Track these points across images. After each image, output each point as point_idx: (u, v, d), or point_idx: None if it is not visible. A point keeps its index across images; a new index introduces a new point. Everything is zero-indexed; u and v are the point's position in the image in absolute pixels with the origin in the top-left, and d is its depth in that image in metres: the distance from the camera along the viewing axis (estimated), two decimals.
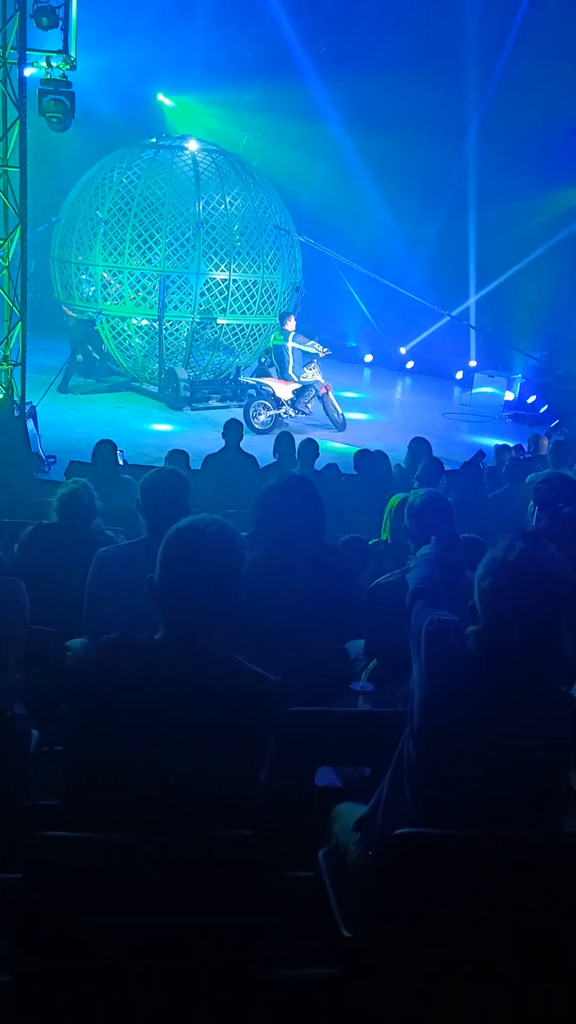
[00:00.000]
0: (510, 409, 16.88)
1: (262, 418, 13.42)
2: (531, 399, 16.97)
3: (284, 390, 13.71)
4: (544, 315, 17.63)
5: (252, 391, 14.02)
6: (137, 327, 15.18)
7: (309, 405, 13.87)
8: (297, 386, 13.75)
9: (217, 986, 1.92)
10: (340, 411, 13.99)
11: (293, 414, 13.79)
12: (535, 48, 16.49)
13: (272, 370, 14.29)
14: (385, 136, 18.33)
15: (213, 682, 2.06)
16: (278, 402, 13.63)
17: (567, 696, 2.22)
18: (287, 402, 13.70)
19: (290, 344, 13.86)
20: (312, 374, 13.86)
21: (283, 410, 13.68)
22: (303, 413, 13.86)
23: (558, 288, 17.22)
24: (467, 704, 2.12)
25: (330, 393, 13.93)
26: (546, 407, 16.44)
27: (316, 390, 13.79)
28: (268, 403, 13.56)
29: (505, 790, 2.10)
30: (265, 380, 13.96)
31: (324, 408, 13.95)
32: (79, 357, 15.13)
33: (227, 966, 1.92)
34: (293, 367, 13.84)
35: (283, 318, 14.24)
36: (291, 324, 14.05)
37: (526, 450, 10.03)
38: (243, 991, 1.94)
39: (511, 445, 10.31)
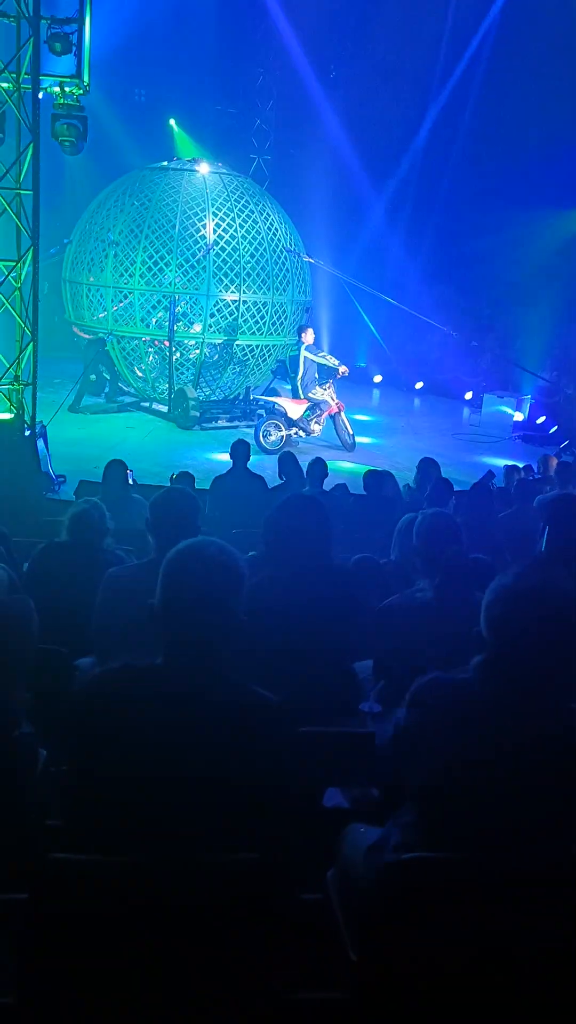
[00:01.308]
0: (519, 430, 16.88)
1: (272, 438, 13.37)
2: (540, 420, 16.97)
3: (295, 409, 13.58)
4: (553, 336, 17.67)
5: (262, 411, 13.97)
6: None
7: (318, 425, 13.80)
8: (307, 404, 13.65)
9: (223, 1009, 1.91)
10: (351, 432, 13.89)
11: (304, 434, 13.75)
12: (541, 72, 16.63)
13: (283, 389, 14.24)
14: (395, 158, 18.49)
15: (215, 705, 2.06)
16: (289, 422, 13.55)
17: None
18: (298, 421, 13.63)
19: (303, 354, 13.55)
20: (324, 393, 13.71)
21: (294, 430, 13.60)
22: (313, 433, 13.82)
23: (567, 309, 17.27)
24: (473, 741, 2.09)
25: (342, 413, 13.82)
26: (556, 428, 16.44)
27: (324, 410, 13.69)
28: (279, 423, 13.46)
29: (518, 819, 2.07)
30: (277, 399, 13.91)
31: (335, 428, 13.85)
32: (92, 377, 15.22)
33: (233, 988, 1.91)
34: (304, 379, 13.57)
35: (300, 330, 14.07)
36: (308, 336, 13.79)
37: (535, 470, 10.02)
38: (249, 1014, 1.92)
39: (520, 465, 10.30)
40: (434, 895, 1.99)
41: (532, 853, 2.06)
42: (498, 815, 2.07)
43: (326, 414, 13.74)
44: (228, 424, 14.86)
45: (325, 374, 13.83)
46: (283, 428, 13.45)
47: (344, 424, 13.85)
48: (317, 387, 13.69)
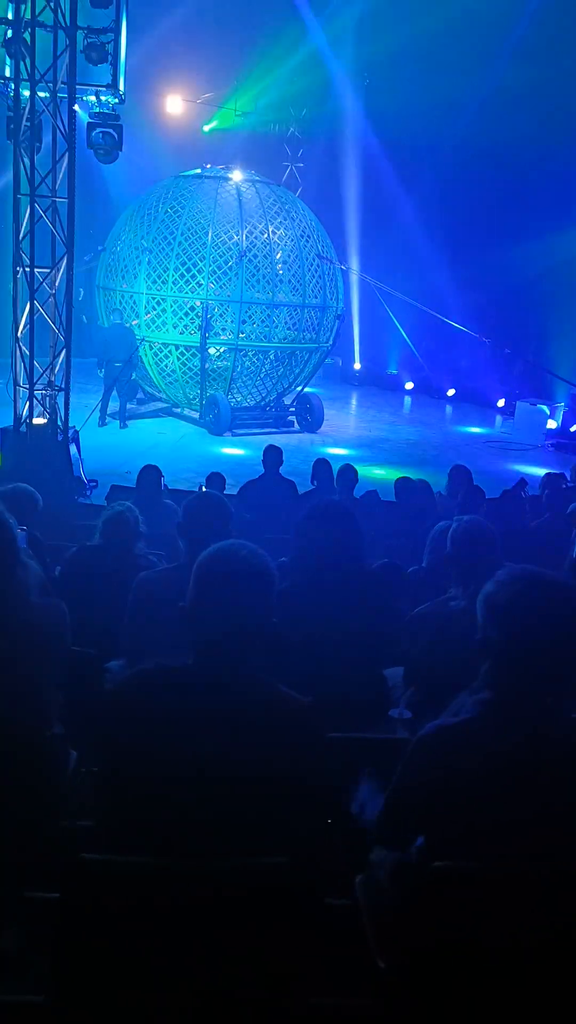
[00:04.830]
0: (552, 437, 16.76)
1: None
2: (574, 427, 16.83)
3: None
4: None
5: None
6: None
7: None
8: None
9: (250, 1013, 1.91)
10: None
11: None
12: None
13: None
14: (427, 164, 18.46)
15: (246, 706, 2.07)
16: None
17: None
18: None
19: None
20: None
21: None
22: None
23: None
24: (485, 787, 2.06)
25: None
26: None
27: None
28: None
29: (540, 827, 2.05)
30: None
31: None
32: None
33: (261, 993, 1.91)
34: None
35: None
36: None
37: (569, 479, 9.91)
38: (277, 1019, 1.92)
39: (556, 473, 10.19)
40: (461, 904, 1.98)
41: (554, 865, 2.04)
42: (514, 838, 2.04)
43: None
44: (260, 431, 14.90)
45: None
46: None
47: None
48: None
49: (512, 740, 2.06)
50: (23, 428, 9.89)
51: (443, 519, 5.28)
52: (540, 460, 14.87)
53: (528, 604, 2.08)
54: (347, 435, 15.80)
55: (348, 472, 8.40)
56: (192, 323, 15.16)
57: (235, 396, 15.63)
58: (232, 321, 15.31)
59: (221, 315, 15.29)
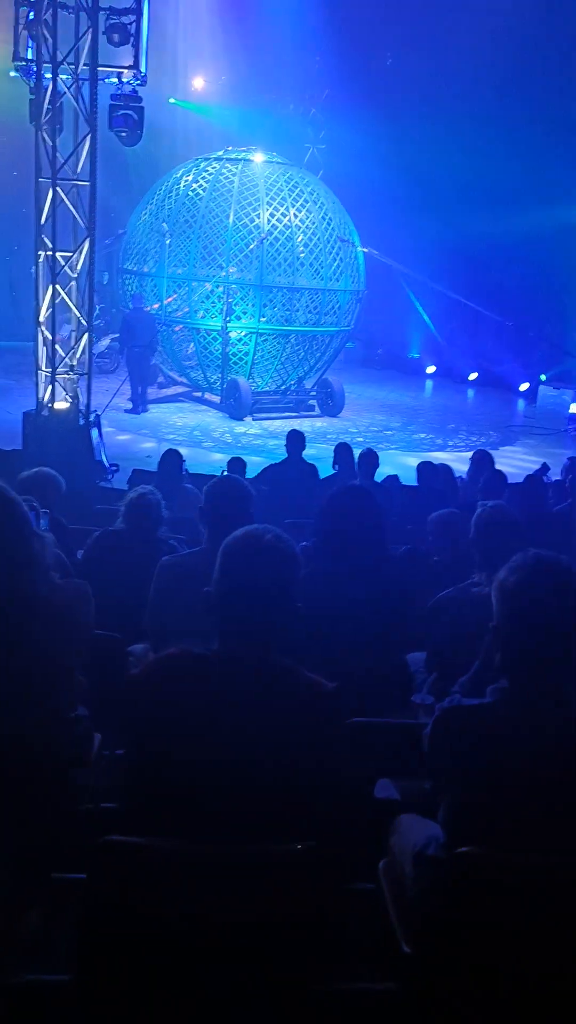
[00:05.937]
0: (575, 422, 16.62)
1: None
2: None
3: None
4: None
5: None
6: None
7: None
8: None
9: (275, 997, 1.92)
10: None
11: None
12: None
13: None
14: (449, 148, 18.28)
15: (271, 691, 2.07)
16: None
17: None
18: None
19: None
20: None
21: None
22: None
23: None
24: (495, 765, 2.06)
25: None
26: None
27: None
28: None
29: (554, 818, 2.05)
30: None
31: None
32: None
33: (285, 977, 1.91)
34: None
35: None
36: None
37: None
38: (300, 1003, 1.93)
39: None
40: (484, 890, 1.98)
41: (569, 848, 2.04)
42: (526, 819, 2.04)
43: None
44: (280, 415, 14.88)
45: None
46: None
47: None
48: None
49: (526, 730, 2.05)
50: (45, 412, 9.92)
51: (464, 504, 5.26)
52: (565, 444, 14.76)
53: (534, 589, 2.07)
54: (368, 419, 15.74)
55: (369, 457, 8.36)
56: (213, 307, 15.13)
57: (256, 380, 15.60)
58: (253, 305, 15.26)
59: (242, 299, 15.25)
